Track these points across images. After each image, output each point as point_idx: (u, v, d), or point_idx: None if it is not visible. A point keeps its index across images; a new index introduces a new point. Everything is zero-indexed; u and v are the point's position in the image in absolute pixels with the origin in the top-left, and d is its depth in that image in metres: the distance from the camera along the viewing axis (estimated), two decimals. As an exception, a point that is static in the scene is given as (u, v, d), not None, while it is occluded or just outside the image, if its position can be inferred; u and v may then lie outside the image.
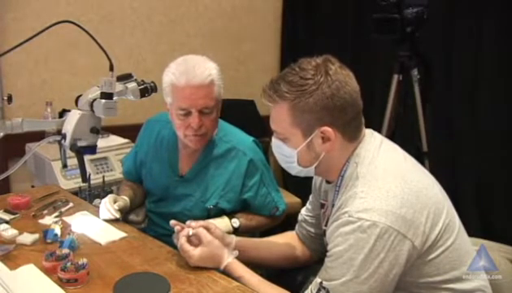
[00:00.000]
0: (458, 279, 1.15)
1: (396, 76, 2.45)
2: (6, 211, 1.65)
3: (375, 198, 1.10)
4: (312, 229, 1.49)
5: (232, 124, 1.79)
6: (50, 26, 1.33)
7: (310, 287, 1.18)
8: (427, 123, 2.47)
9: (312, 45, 3.31)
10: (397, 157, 1.22)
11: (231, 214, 1.67)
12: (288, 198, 2.55)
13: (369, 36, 2.55)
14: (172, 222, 1.41)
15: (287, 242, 1.53)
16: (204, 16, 3.19)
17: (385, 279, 1.09)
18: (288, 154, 1.23)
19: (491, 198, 2.59)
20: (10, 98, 1.35)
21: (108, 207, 1.61)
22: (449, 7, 2.63)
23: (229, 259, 1.35)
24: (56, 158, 2.27)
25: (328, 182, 1.31)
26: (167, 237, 1.58)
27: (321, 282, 1.14)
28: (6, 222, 1.57)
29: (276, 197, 1.74)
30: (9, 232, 1.48)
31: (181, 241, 1.35)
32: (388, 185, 1.12)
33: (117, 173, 2.41)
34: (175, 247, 1.49)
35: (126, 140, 2.58)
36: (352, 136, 1.20)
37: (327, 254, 1.16)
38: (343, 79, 1.15)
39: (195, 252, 1.33)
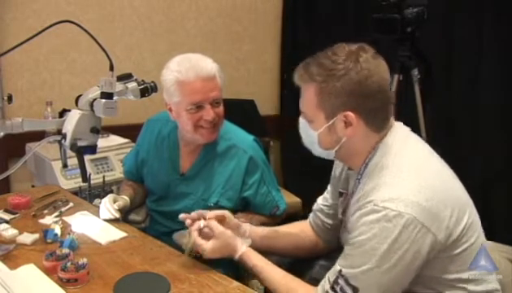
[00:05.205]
0: (476, 279, 1.16)
1: (396, 76, 2.45)
2: (6, 210, 1.65)
3: (402, 189, 1.10)
4: (327, 220, 1.48)
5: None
6: (50, 26, 1.33)
7: (326, 275, 1.17)
8: (427, 123, 2.47)
9: (312, 45, 3.30)
10: (424, 151, 1.22)
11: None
12: (288, 198, 2.55)
13: (369, 36, 2.54)
14: (182, 216, 1.41)
15: (299, 231, 1.53)
16: (204, 16, 3.19)
17: (406, 271, 1.09)
18: (310, 134, 1.25)
19: (491, 199, 2.58)
20: (10, 98, 1.35)
21: (108, 206, 1.61)
22: (449, 7, 2.63)
23: (243, 248, 1.35)
24: (56, 158, 2.27)
25: (350, 169, 1.31)
26: (168, 235, 1.60)
27: (340, 270, 1.13)
28: (6, 222, 1.57)
29: (277, 196, 1.74)
30: (9, 232, 1.48)
31: (194, 236, 1.35)
32: (415, 177, 1.12)
33: (117, 173, 2.41)
34: (175, 246, 1.49)
35: (126, 140, 2.58)
36: (377, 126, 1.20)
37: (349, 242, 1.15)
38: (373, 68, 1.16)
39: (207, 246, 1.33)
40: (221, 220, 1.42)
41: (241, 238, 1.38)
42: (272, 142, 3.10)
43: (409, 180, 1.12)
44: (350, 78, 1.14)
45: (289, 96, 3.44)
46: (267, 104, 3.46)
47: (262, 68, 3.50)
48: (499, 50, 2.48)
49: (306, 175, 3.40)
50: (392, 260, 1.07)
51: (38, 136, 1.82)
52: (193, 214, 1.41)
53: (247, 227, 1.46)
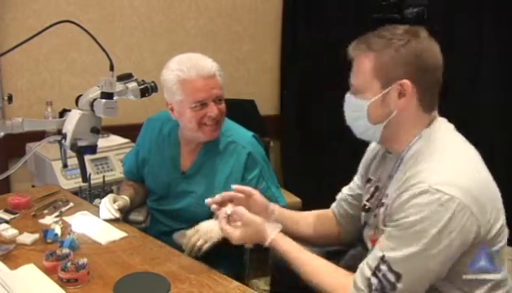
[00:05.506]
0: (500, 282, 1.16)
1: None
2: (7, 210, 1.65)
3: (455, 174, 1.10)
4: (350, 210, 1.48)
5: (232, 123, 1.79)
6: (50, 26, 1.33)
7: (365, 261, 1.15)
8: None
9: (312, 45, 3.31)
10: (470, 146, 1.22)
11: None
12: (289, 198, 2.55)
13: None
14: (208, 201, 1.39)
15: (322, 218, 1.53)
16: (204, 16, 3.18)
17: (450, 259, 1.08)
18: (358, 107, 1.22)
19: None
20: (10, 98, 1.35)
21: (108, 206, 1.61)
22: (449, 7, 2.63)
23: (273, 234, 1.31)
24: (56, 158, 2.27)
25: (389, 153, 1.30)
26: (169, 234, 1.61)
27: (383, 256, 1.11)
28: (6, 222, 1.57)
29: (277, 193, 1.74)
30: (9, 232, 1.48)
31: (222, 224, 1.33)
32: (465, 165, 1.14)
33: (117, 173, 2.41)
34: (176, 246, 1.49)
35: (126, 140, 2.58)
36: (427, 105, 1.20)
37: (392, 224, 1.12)
38: (429, 46, 1.19)
39: (236, 234, 1.31)
40: (248, 197, 1.42)
41: (270, 222, 1.34)
42: (272, 142, 3.10)
43: (460, 167, 1.12)
44: (410, 48, 1.15)
45: (289, 96, 3.45)
46: (267, 104, 3.46)
47: (262, 68, 3.50)
48: (499, 50, 2.48)
49: (306, 175, 3.40)
50: (440, 246, 1.06)
51: (38, 136, 1.82)
52: (218, 197, 1.40)
53: (275, 207, 1.46)
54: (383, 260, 1.10)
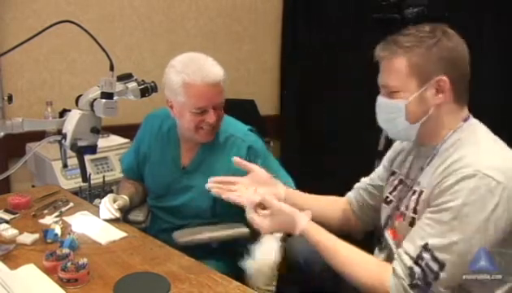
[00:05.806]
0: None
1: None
2: (7, 210, 1.65)
3: (499, 160, 1.10)
4: (369, 200, 1.49)
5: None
6: (50, 26, 1.33)
7: (402, 249, 1.13)
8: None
9: (312, 45, 3.31)
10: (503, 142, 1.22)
11: None
12: (288, 198, 2.55)
13: (369, 35, 2.54)
14: (209, 185, 1.45)
15: (339, 204, 1.54)
16: (204, 16, 3.19)
17: (493, 246, 1.07)
18: (395, 109, 1.21)
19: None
20: (10, 98, 1.35)
21: (108, 206, 1.61)
22: (449, 7, 2.62)
23: (303, 223, 1.27)
24: (56, 158, 2.27)
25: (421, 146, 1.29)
26: (169, 231, 1.62)
27: (425, 244, 1.08)
28: (6, 222, 1.57)
29: (284, 177, 1.73)
30: (9, 232, 1.47)
31: (250, 213, 1.31)
32: (505, 153, 1.14)
33: (117, 173, 2.41)
34: (176, 245, 1.50)
35: (126, 140, 2.58)
36: (460, 98, 1.22)
37: (432, 210, 1.11)
38: (458, 41, 1.22)
39: (265, 224, 1.29)
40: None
41: (298, 211, 1.30)
42: (272, 142, 3.10)
43: (501, 154, 1.13)
44: (443, 44, 1.17)
45: (289, 96, 3.45)
46: (267, 104, 3.47)
47: (262, 68, 3.50)
48: (499, 50, 2.48)
49: (306, 175, 3.40)
50: (486, 233, 1.04)
51: (38, 136, 1.82)
52: (218, 178, 1.46)
53: (283, 189, 1.50)
54: (425, 248, 1.08)
